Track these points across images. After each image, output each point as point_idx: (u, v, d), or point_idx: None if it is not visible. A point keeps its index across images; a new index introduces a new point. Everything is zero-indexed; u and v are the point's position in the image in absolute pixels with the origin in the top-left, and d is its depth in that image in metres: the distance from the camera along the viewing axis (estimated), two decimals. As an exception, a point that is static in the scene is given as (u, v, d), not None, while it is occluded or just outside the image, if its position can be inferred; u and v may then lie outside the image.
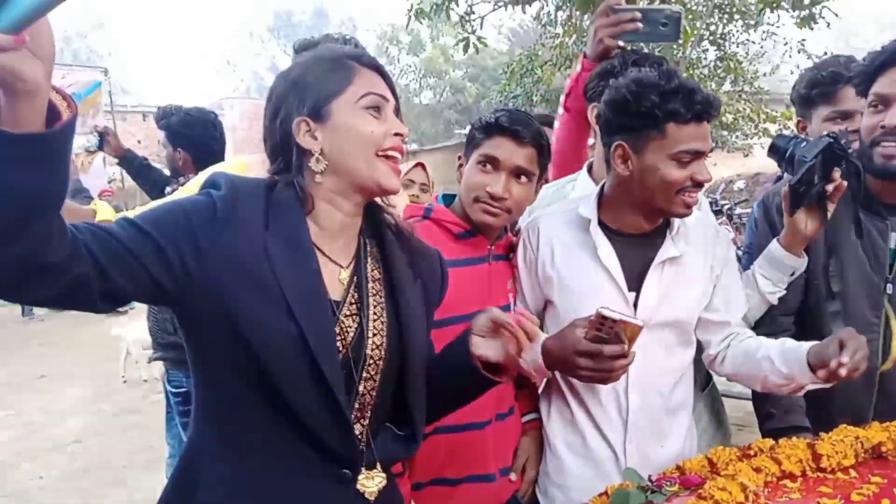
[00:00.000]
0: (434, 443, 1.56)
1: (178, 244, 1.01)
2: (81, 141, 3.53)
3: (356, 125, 1.11)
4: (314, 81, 1.12)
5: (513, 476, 1.68)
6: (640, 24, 1.75)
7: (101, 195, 5.74)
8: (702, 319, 1.59)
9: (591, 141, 1.82)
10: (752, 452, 1.28)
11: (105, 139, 3.54)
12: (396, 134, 1.13)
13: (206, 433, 1.13)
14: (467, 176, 1.61)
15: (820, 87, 1.86)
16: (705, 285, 1.57)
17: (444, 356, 1.26)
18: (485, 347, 1.18)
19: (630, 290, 1.53)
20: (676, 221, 1.53)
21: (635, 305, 1.52)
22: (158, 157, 3.45)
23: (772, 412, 1.64)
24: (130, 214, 1.45)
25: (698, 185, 1.44)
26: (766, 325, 1.68)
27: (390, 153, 1.13)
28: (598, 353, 1.37)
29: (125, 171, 3.74)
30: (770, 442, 1.30)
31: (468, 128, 1.71)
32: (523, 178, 1.57)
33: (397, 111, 1.18)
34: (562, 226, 1.61)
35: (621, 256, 1.53)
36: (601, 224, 1.56)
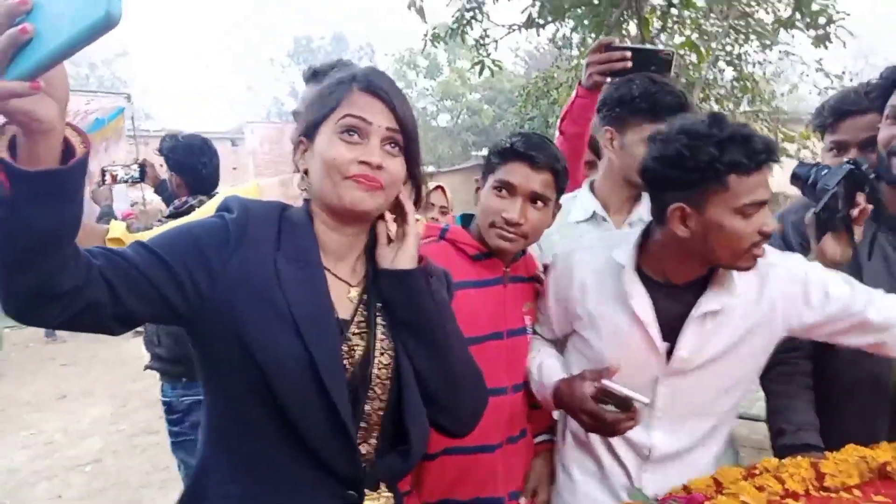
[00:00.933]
0: (443, 464, 1.57)
1: (189, 266, 1.03)
2: (122, 174, 3.97)
3: (324, 150, 1.11)
4: (313, 105, 1.15)
5: (522, 501, 1.67)
6: (629, 64, 1.82)
7: (124, 218, 5.89)
8: (845, 332, 1.45)
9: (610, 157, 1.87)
10: (757, 472, 1.27)
11: (145, 171, 3.87)
12: (362, 162, 1.09)
13: (215, 452, 1.13)
14: (483, 201, 1.60)
15: (819, 118, 1.93)
16: (752, 330, 1.46)
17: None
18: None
19: (664, 339, 1.46)
20: (721, 272, 1.44)
21: (669, 354, 1.46)
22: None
23: (783, 429, 1.62)
24: (148, 235, 1.49)
25: (766, 236, 1.33)
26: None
27: (358, 182, 1.09)
28: (601, 418, 1.38)
29: (159, 197, 4.04)
30: (776, 461, 1.29)
31: (484, 150, 1.74)
32: (539, 203, 1.56)
33: (409, 138, 1.15)
34: (597, 268, 1.55)
35: (658, 306, 1.46)
36: (640, 271, 1.49)
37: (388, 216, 1.19)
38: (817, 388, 1.66)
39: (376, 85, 1.13)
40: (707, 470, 1.52)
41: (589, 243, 1.65)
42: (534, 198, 1.56)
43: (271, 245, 1.09)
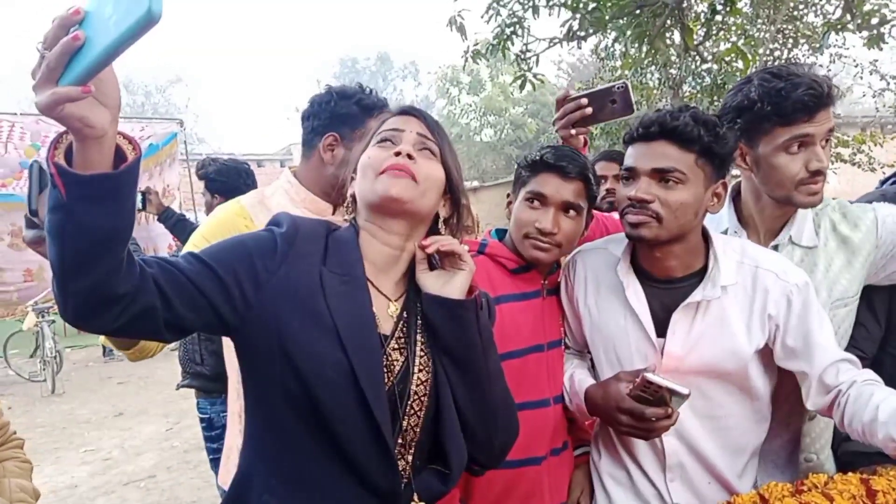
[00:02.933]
0: (490, 477, 1.55)
1: (238, 277, 1.06)
2: None
3: (362, 160, 1.19)
4: (361, 144, 1.25)
5: (567, 513, 1.65)
6: (588, 110, 1.70)
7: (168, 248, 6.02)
8: (795, 371, 1.45)
9: (735, 171, 1.63)
10: (804, 488, 1.21)
11: (147, 198, 3.89)
12: (394, 154, 1.16)
13: (255, 463, 1.15)
14: (516, 213, 1.62)
15: None
16: (749, 334, 1.43)
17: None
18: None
19: (659, 336, 1.47)
20: (710, 265, 1.44)
21: (663, 352, 1.46)
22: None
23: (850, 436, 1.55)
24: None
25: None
26: None
27: (389, 171, 1.14)
28: (639, 414, 1.35)
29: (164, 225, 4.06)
30: (824, 477, 1.23)
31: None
32: (572, 212, 1.58)
33: (443, 147, 1.21)
34: (598, 264, 1.59)
35: (653, 301, 1.47)
36: (639, 269, 1.51)
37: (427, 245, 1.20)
38: None
39: (410, 107, 1.27)
40: (741, 483, 1.50)
41: (595, 244, 1.67)
42: (566, 207, 1.57)
43: (318, 259, 1.13)
